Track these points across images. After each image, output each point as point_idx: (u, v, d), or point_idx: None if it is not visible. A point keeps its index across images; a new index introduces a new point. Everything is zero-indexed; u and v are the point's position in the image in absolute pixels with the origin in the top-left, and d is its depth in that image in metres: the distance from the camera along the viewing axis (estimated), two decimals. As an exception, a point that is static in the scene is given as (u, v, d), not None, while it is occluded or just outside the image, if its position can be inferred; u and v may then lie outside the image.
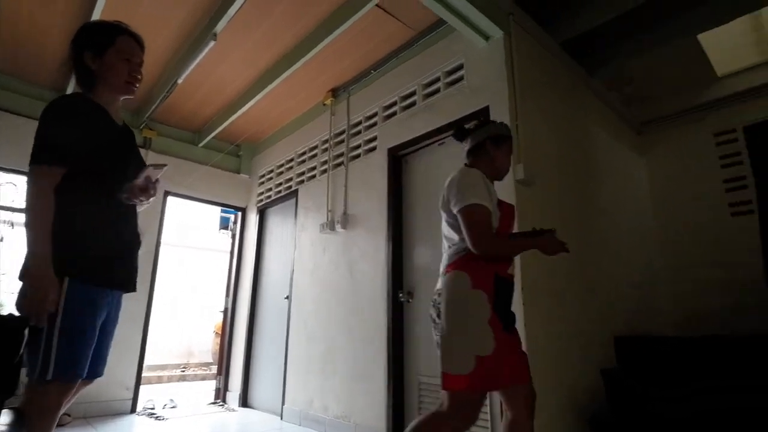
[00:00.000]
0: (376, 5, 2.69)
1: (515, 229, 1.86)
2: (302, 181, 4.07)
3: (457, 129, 1.83)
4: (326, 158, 3.79)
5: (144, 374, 4.10)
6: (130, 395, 3.85)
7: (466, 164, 1.78)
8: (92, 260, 1.29)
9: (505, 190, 2.37)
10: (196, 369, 7.14)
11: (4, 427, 1.10)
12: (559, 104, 2.92)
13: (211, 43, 2.90)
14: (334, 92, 3.71)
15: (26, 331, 1.13)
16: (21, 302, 1.16)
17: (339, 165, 3.63)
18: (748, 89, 3.35)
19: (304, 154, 4.13)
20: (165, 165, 1.44)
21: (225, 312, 4.75)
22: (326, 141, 3.83)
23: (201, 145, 4.58)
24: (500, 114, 2.47)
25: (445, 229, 1.65)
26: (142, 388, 4.01)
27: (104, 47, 1.40)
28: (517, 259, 2.24)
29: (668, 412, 2.22)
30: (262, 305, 4.36)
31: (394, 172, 3.13)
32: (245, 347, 4.33)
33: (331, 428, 3.12)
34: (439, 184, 2.85)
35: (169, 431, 3.31)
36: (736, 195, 3.27)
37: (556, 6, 2.77)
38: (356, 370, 3.05)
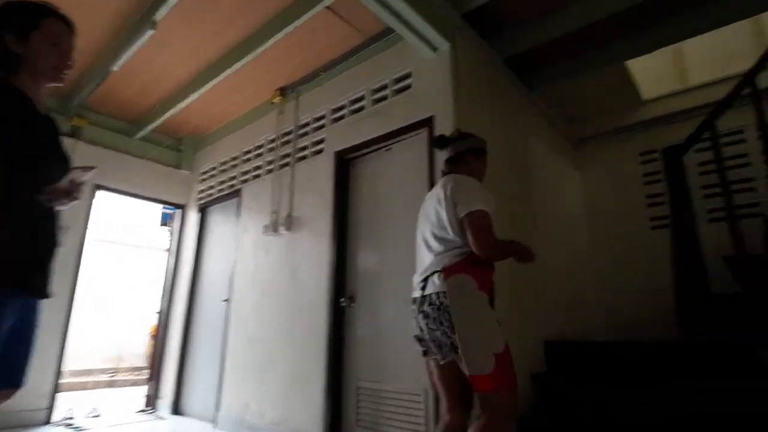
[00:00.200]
0: (327, 7, 2.67)
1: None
2: (246, 181, 3.95)
3: (439, 138, 1.95)
4: (272, 158, 3.70)
5: (65, 380, 3.80)
6: (46, 404, 3.54)
7: (444, 171, 1.89)
8: (3, 263, 1.17)
9: (446, 198, 2.43)
10: (126, 374, 6.71)
11: None
12: (501, 117, 3.04)
13: (150, 32, 2.75)
14: (283, 91, 3.63)
15: None
16: None
17: (285, 166, 3.57)
18: (668, 114, 3.67)
19: (249, 152, 4.01)
20: (93, 168, 1.33)
21: (160, 314, 4.51)
22: (273, 140, 3.74)
23: (138, 136, 4.32)
24: (445, 123, 2.53)
25: (440, 232, 1.70)
26: (63, 395, 3.71)
27: (28, 29, 1.28)
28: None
29: (602, 416, 2.36)
30: (200, 307, 4.18)
31: (341, 176, 3.12)
32: (179, 351, 4.13)
33: (266, 435, 3.04)
34: (385, 190, 2.92)
35: (88, 443, 3.09)
36: (656, 210, 3.57)
37: (501, 23, 2.89)
38: (295, 375, 3.00)
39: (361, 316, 2.83)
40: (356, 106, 3.12)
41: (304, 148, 3.45)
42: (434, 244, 1.71)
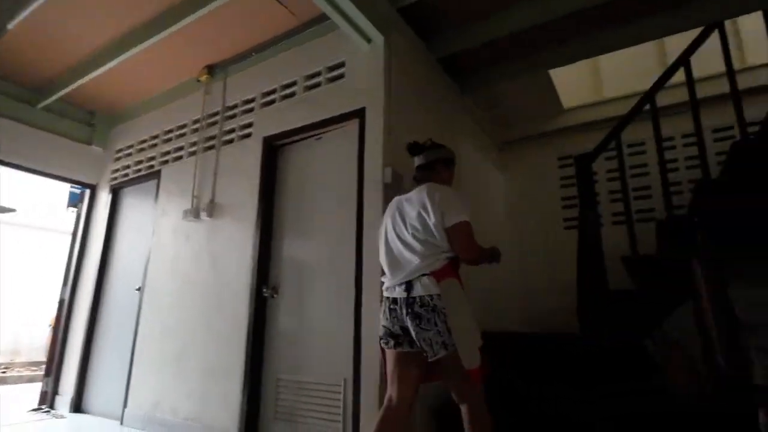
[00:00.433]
0: (259, -15, 2.55)
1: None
2: (166, 162, 3.69)
3: (414, 144, 2.09)
4: (196, 140, 3.49)
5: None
6: None
7: (417, 178, 2.05)
8: None
9: (372, 190, 2.44)
10: (21, 369, 6.06)
11: None
12: (431, 114, 3.10)
13: (55, -12, 2.45)
14: (211, 70, 3.43)
15: None
16: None
17: (210, 148, 3.38)
18: (584, 123, 3.96)
19: (171, 132, 3.75)
20: None
21: (61, 303, 4.10)
22: (197, 121, 3.53)
23: (41, 106, 3.87)
24: (375, 117, 2.53)
25: (427, 237, 1.80)
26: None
27: None
28: (376, 263, 2.32)
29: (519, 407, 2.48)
30: (109, 296, 3.86)
31: (269, 163, 3.01)
32: (83, 344, 3.79)
33: (178, 431, 2.89)
34: (314, 180, 2.86)
35: (-36, 447, 2.74)
36: (569, 212, 3.86)
37: (436, 22, 2.93)
38: (213, 368, 2.87)
39: (284, 308, 2.77)
40: (288, 91, 3.02)
41: (231, 132, 3.29)
42: (419, 247, 1.80)
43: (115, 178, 4.12)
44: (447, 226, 1.77)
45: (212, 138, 3.39)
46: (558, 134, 4.15)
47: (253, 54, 3.23)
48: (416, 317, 1.73)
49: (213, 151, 3.34)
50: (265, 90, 3.16)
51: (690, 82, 2.58)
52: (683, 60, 2.60)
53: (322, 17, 2.84)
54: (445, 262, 1.78)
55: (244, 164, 3.11)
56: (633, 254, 2.64)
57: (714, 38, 2.56)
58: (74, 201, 7.23)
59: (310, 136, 2.89)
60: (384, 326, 1.87)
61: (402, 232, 1.87)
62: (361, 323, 2.31)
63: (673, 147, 3.55)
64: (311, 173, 2.87)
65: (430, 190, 1.86)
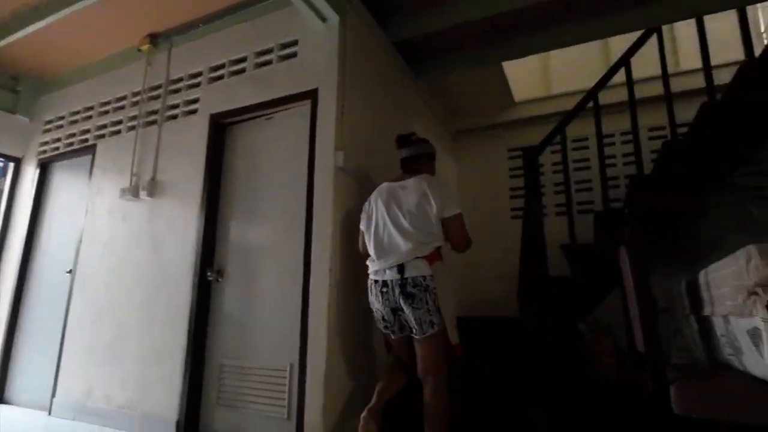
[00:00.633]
0: (207, -50, 2.39)
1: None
2: (103, 136, 3.44)
3: (404, 137, 2.26)
4: (136, 113, 3.27)
5: None
6: None
7: (405, 169, 2.21)
8: None
9: (323, 174, 2.40)
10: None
11: None
12: (385, 99, 3.08)
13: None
14: (153, 39, 3.20)
15: None
16: None
17: (151, 124, 3.18)
18: (534, 116, 4.09)
19: (108, 104, 3.49)
20: None
21: (-21, 287, 3.75)
22: (138, 94, 3.30)
23: (-46, 67, 3.47)
24: (328, 98, 2.48)
25: (424, 225, 1.96)
26: None
27: None
28: (325, 248, 2.30)
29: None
30: (35, 279, 3.58)
31: (216, 141, 2.88)
32: (6, 330, 3.49)
33: (113, 420, 2.75)
34: (264, 161, 2.77)
35: None
36: (515, 202, 4.01)
37: (392, 6, 2.90)
38: (151, 355, 2.74)
39: (229, 292, 2.69)
40: (237, 67, 2.89)
41: (175, 107, 3.11)
42: (415, 233, 1.95)
43: (44, 152, 3.79)
44: (445, 216, 1.97)
45: (154, 113, 3.19)
46: (509, 126, 4.26)
47: (201, 25, 3.05)
48: (409, 297, 1.87)
49: (155, 126, 3.14)
50: (213, 64, 3.00)
51: (630, 82, 2.73)
52: (624, 60, 2.74)
53: (276, -9, 2.73)
54: (435, 248, 1.96)
55: (188, 142, 2.95)
56: (572, 243, 2.79)
57: (653, 42, 2.71)
58: (-3, 175, 6.63)
59: (260, 116, 2.79)
60: (377, 309, 2.03)
61: (397, 218, 2.00)
62: (309, 308, 2.28)
63: (613, 143, 3.76)
64: (260, 154, 2.78)
65: (431, 182, 2.05)
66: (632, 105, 2.72)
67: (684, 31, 3.48)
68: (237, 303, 2.64)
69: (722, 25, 2.87)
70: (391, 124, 3.17)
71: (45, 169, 3.79)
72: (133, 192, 3.03)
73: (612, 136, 3.72)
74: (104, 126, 3.46)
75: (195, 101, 3.02)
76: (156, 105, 3.19)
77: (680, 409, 1.08)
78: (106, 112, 3.48)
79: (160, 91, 3.19)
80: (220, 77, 2.95)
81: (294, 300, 2.38)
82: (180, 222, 2.85)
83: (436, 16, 2.88)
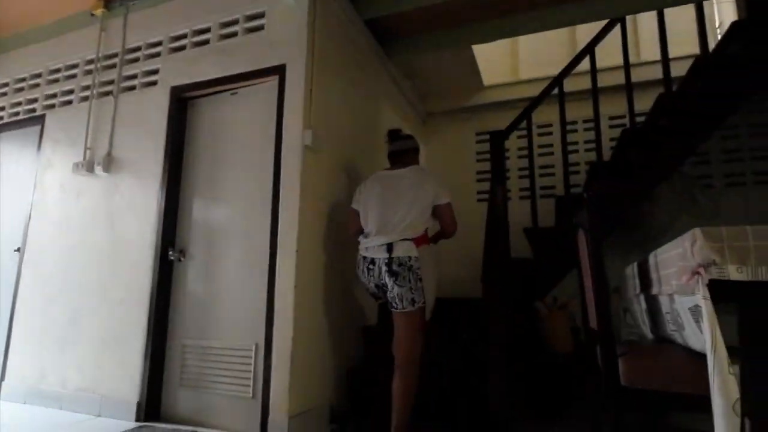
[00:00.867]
0: None
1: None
2: (53, 106, 3.22)
3: (396, 131, 2.55)
4: (89, 83, 3.07)
5: None
6: None
7: (395, 161, 2.43)
8: None
9: (291, 153, 2.36)
10: None
11: None
12: (355, 78, 3.03)
13: None
14: (107, 2, 3.00)
15: None
16: None
17: (106, 94, 3.00)
18: (502, 101, 4.14)
19: (58, 71, 3.26)
20: None
21: None
22: (91, 62, 3.10)
23: None
24: (296, 75, 2.42)
25: (418, 210, 2.16)
26: None
27: None
28: (292, 228, 2.28)
29: None
30: (-21, 258, 3.36)
31: (177, 116, 2.76)
32: (-54, 312, 3.28)
33: (69, 403, 2.66)
34: (228, 138, 2.68)
35: None
36: (481, 185, 4.08)
37: (365, -19, 2.84)
38: (109, 337, 2.66)
39: (192, 271, 2.62)
40: (200, 38, 2.76)
41: (132, 78, 2.95)
42: (408, 217, 2.13)
43: (-14, 121, 3.52)
44: (438, 204, 2.21)
45: (109, 83, 3.01)
46: (477, 110, 4.30)
47: (161, -10, 2.88)
48: (393, 274, 2.05)
49: (110, 98, 2.97)
50: (174, 34, 2.85)
51: (593, 70, 2.81)
52: (589, 49, 2.81)
53: (242, -41, 2.61)
54: (423, 231, 2.16)
55: (147, 115, 2.82)
56: (534, 226, 2.88)
57: (617, 33, 2.79)
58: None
59: (224, 90, 2.69)
60: (363, 282, 2.25)
61: (392, 202, 2.19)
62: (275, 289, 2.27)
63: (575, 130, 3.87)
64: (225, 130, 2.69)
65: (426, 172, 2.37)
66: (595, 93, 2.81)
67: (646, 23, 3.60)
68: (200, 283, 2.59)
69: (682, 19, 2.98)
70: (361, 103, 3.14)
71: (-13, 140, 3.52)
72: (88, 167, 2.88)
73: (575, 123, 3.83)
74: (54, 95, 3.24)
75: (154, 72, 2.87)
76: (111, 75, 3.01)
77: (627, 381, 1.16)
78: (56, 80, 3.26)
79: (116, 60, 3.01)
80: (182, 48, 2.81)
81: (259, 280, 2.36)
82: (139, 200, 2.74)
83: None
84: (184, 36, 2.81)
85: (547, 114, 3.48)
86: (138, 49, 2.96)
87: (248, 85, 2.62)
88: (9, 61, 3.51)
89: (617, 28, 2.79)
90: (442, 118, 4.43)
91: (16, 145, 3.41)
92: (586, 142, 3.86)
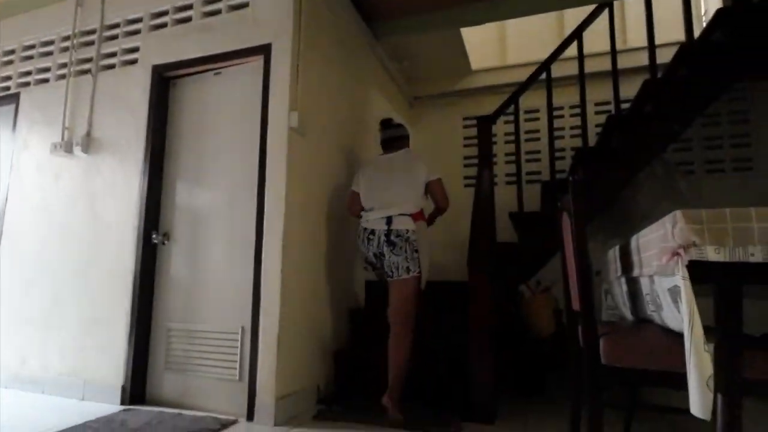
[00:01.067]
0: None
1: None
2: (28, 84, 3.11)
3: (389, 120, 2.75)
4: (67, 60, 2.96)
5: None
6: None
7: (391, 147, 2.62)
8: None
9: (277, 135, 2.33)
10: None
11: None
12: (342, 60, 2.99)
13: None
14: (84, -24, 2.88)
15: None
16: None
17: (84, 73, 2.90)
18: (489, 86, 4.14)
19: (32, 47, 3.13)
20: None
21: None
22: (68, 38, 2.98)
23: None
24: (282, 55, 2.37)
25: (413, 187, 2.42)
26: None
27: None
28: (279, 211, 2.26)
29: None
30: (-46, 241, 3.26)
31: (159, 96, 2.69)
32: None
33: (52, 387, 2.63)
34: (213, 119, 2.63)
35: None
36: (468, 170, 4.09)
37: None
38: (92, 321, 2.62)
39: (176, 255, 2.59)
40: (182, 15, 2.68)
41: (112, 56, 2.85)
42: (405, 194, 2.39)
43: (-44, 99, 3.37)
44: (430, 180, 2.44)
45: (88, 60, 2.91)
46: (465, 94, 4.28)
47: (140, -36, 2.77)
48: (391, 244, 2.29)
49: (88, 76, 2.87)
50: (154, 10, 2.76)
51: (581, 55, 2.81)
52: (577, 33, 2.81)
53: (225, -67, 2.52)
54: (419, 207, 2.40)
55: (128, 94, 2.74)
56: (519, 211, 2.91)
57: (605, 19, 2.79)
58: None
59: (207, 70, 2.63)
60: (362, 252, 2.44)
61: (390, 181, 2.43)
62: (261, 272, 2.26)
63: (562, 116, 3.89)
64: (209, 112, 2.63)
65: (417, 154, 2.63)
66: (582, 78, 2.82)
67: (633, 9, 3.60)
68: (185, 267, 2.56)
69: (669, 6, 2.99)
70: (348, 85, 3.10)
71: (-42, 118, 3.38)
72: (66, 148, 2.80)
73: (561, 108, 3.85)
74: (29, 73, 3.12)
75: (134, 50, 2.78)
76: (90, 52, 2.91)
77: (607, 360, 1.19)
78: (31, 57, 3.13)
79: (94, 37, 2.91)
80: (163, 25, 2.73)
81: (246, 263, 2.34)
82: (121, 182, 2.68)
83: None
84: (166, 13, 2.72)
85: (533, 99, 3.49)
86: (117, 25, 2.86)
87: (232, 65, 2.56)
88: (-21, 37, 3.36)
89: (605, 14, 2.79)
90: (429, 102, 4.41)
91: (-10, 125, 3.29)
92: (572, 128, 3.89)
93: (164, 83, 2.71)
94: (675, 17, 2.72)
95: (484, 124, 2.83)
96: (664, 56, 2.70)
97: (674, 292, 1.00)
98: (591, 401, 1.20)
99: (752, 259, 0.82)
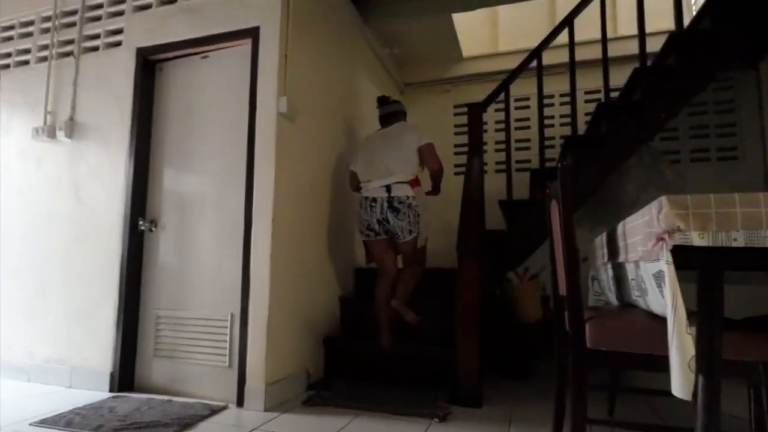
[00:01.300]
0: None
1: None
2: (7, 66, 3.01)
3: (384, 98, 2.95)
4: (48, 42, 2.88)
5: None
6: None
7: (388, 121, 2.83)
8: None
9: (265, 121, 2.30)
10: None
11: None
12: (332, 45, 2.95)
13: None
14: (64, -46, 2.79)
15: None
16: None
17: (67, 55, 2.82)
18: (481, 73, 4.12)
19: (11, 28, 3.03)
20: None
21: None
22: (49, 19, 2.89)
23: None
24: (271, 39, 2.33)
25: (408, 157, 2.63)
26: None
27: None
28: (267, 198, 2.25)
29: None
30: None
31: (145, 79, 2.63)
32: None
33: (38, 375, 2.61)
34: (200, 103, 2.58)
35: None
36: (458, 158, 4.09)
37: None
38: (79, 308, 2.59)
39: (164, 242, 2.57)
40: (167, -5, 2.61)
41: (95, 37, 2.77)
42: (399, 163, 2.60)
43: (-68, 81, 3.26)
44: (422, 144, 2.63)
45: (70, 42, 2.83)
46: (456, 82, 4.27)
47: (123, -57, 2.69)
48: (395, 210, 2.55)
49: (71, 58, 2.80)
50: (138, -9, 2.68)
51: (571, 42, 2.81)
52: (568, 21, 2.80)
53: None
54: (414, 175, 2.63)
55: (112, 78, 2.67)
56: (509, 199, 2.93)
57: (596, 7, 2.78)
58: None
59: (194, 53, 2.57)
60: (365, 220, 2.64)
61: (386, 152, 2.64)
62: (250, 259, 2.25)
63: (552, 104, 3.90)
64: (196, 96, 2.58)
65: (411, 125, 2.82)
66: (572, 66, 2.82)
67: (624, -4, 3.60)
68: (174, 254, 2.54)
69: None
70: (338, 70, 3.06)
71: (-65, 101, 3.27)
72: (49, 132, 2.73)
73: (552, 97, 3.86)
74: (8, 55, 3.02)
75: (118, 32, 2.71)
76: (72, 34, 2.82)
77: (592, 344, 1.22)
78: (10, 38, 3.03)
79: (76, 17, 2.82)
80: (148, 6, 2.65)
81: (234, 250, 2.33)
82: (106, 168, 2.63)
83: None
84: (149, -8, 2.65)
85: (524, 87, 3.49)
86: (100, 6, 2.78)
87: (220, 49, 2.51)
88: (-45, 16, 3.24)
89: (596, 2, 2.78)
90: (420, 89, 4.38)
91: (-32, 108, 3.19)
92: (561, 116, 3.90)
93: (150, 66, 2.65)
94: (666, 6, 2.73)
95: (475, 110, 2.83)
96: (655, 45, 2.71)
97: (659, 277, 1.02)
98: (575, 384, 1.22)
99: (735, 244, 0.84)
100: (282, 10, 2.33)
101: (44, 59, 2.88)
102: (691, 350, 0.84)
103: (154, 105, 2.66)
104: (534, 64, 2.88)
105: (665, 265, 0.86)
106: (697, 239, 0.85)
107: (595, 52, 2.92)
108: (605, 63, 2.74)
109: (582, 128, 3.20)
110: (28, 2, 2.97)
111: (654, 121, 2.53)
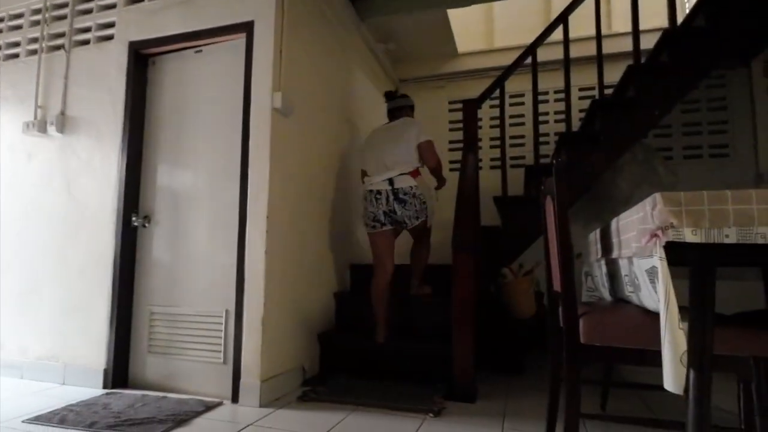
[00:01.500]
0: None
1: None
2: (-3, 60, 2.97)
3: (393, 92, 3.02)
4: (38, 35, 2.84)
5: None
6: None
7: (394, 116, 2.91)
8: None
9: (260, 116, 2.29)
10: None
11: None
12: (327, 40, 2.93)
13: None
14: (54, -55, 2.74)
15: None
16: None
17: (57, 48, 2.78)
18: (476, 69, 4.12)
19: (1, 21, 2.98)
20: None
21: None
22: (39, 11, 2.85)
23: None
24: (265, 34, 2.31)
25: (408, 150, 2.68)
26: None
27: None
28: (262, 194, 2.24)
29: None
30: None
31: (137, 74, 2.60)
32: None
33: (31, 372, 2.59)
34: (194, 98, 2.56)
35: None
36: (453, 155, 4.10)
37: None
38: (71, 305, 2.57)
39: (158, 237, 2.55)
40: (160, -11, 2.58)
41: (86, 31, 2.74)
42: (400, 156, 2.66)
43: None
44: (421, 141, 2.67)
45: (60, 35, 2.79)
46: (451, 78, 4.26)
47: (114, -66, 2.65)
48: (401, 201, 2.62)
49: (62, 52, 2.76)
50: (130, -17, 2.65)
51: (566, 38, 2.81)
52: (563, 17, 2.80)
53: None
54: (414, 167, 2.67)
55: (104, 72, 2.64)
56: (503, 195, 2.94)
57: (590, 4, 2.79)
58: None
59: (188, 48, 2.54)
60: (371, 212, 2.69)
61: (389, 146, 2.69)
62: (245, 253, 2.24)
63: (547, 101, 3.91)
64: (190, 91, 2.56)
65: (412, 120, 2.85)
66: (567, 63, 2.83)
67: (619, -7, 3.61)
68: (168, 249, 2.52)
69: (653, -9, 3.01)
70: (333, 66, 3.05)
71: None
72: (40, 127, 2.70)
73: (546, 93, 3.87)
74: (-3, 48, 2.98)
75: (110, 26, 2.68)
76: (62, 26, 2.78)
77: (586, 339, 1.23)
78: (-1, 30, 2.99)
79: (67, 10, 2.78)
80: (140, -1, 2.62)
81: (229, 246, 2.32)
82: (98, 163, 2.61)
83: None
84: (142, -15, 2.61)
85: (519, 83, 3.49)
86: (91, -1, 2.74)
87: (214, 43, 2.49)
88: (-57, 8, 3.18)
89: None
90: (414, 85, 4.37)
91: (-43, 102, 3.14)
92: (556, 113, 3.92)
93: (142, 61, 2.62)
94: (660, 3, 2.74)
95: (470, 106, 2.83)
96: (649, 42, 2.72)
97: (652, 273, 1.03)
98: (569, 378, 1.23)
99: (727, 240, 0.85)
100: (277, 4, 2.31)
101: (34, 52, 2.84)
102: (683, 345, 0.85)
103: (147, 100, 2.64)
104: (529, 60, 2.89)
105: (658, 261, 0.87)
106: (690, 236, 0.86)
107: (590, 49, 2.93)
108: (599, 60, 2.75)
109: (576, 125, 3.21)
110: (18, -6, 2.92)
111: (647, 118, 2.55)
